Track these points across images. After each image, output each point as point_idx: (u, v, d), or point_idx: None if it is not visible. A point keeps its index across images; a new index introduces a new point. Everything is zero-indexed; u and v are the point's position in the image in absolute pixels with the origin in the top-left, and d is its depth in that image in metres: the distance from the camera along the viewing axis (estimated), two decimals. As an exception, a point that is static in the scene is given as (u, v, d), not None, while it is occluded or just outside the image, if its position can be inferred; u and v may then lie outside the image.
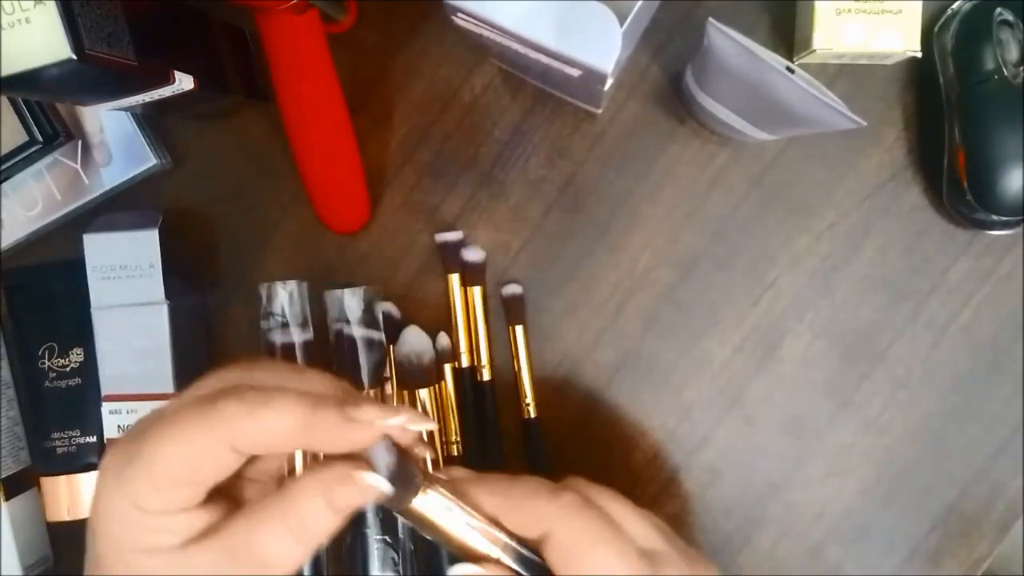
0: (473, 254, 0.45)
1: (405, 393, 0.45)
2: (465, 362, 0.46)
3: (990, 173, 0.41)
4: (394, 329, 0.45)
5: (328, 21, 0.43)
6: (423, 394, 0.44)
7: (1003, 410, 0.45)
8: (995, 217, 0.42)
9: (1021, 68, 0.41)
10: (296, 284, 0.45)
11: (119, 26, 0.32)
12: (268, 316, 0.45)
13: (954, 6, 0.43)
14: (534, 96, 0.46)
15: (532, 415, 0.46)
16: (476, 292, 0.46)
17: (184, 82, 0.37)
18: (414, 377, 0.44)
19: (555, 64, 0.34)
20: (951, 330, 0.45)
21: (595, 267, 0.46)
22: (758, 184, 0.45)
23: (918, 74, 0.44)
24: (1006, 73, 0.40)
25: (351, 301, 0.44)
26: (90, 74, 0.31)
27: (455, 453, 0.45)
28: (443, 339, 0.46)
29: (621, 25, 0.31)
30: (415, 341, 0.45)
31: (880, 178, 0.45)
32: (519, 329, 0.46)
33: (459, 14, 0.32)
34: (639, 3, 0.33)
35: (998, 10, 0.41)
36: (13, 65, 0.28)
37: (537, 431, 0.46)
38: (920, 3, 0.41)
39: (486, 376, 0.46)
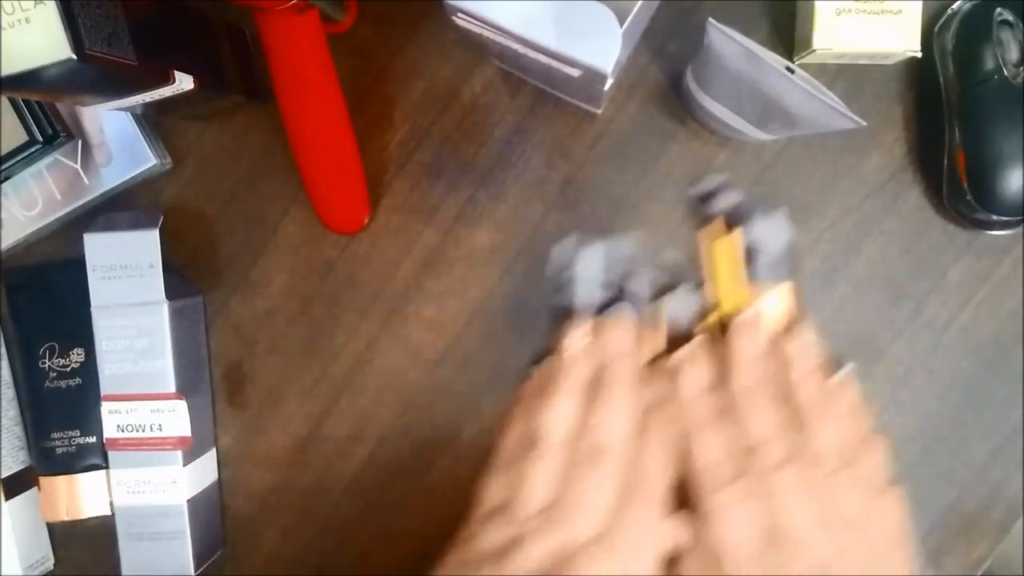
0: (727, 200, 0.43)
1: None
2: (721, 313, 0.43)
3: (990, 173, 0.41)
4: (660, 288, 0.44)
5: (328, 21, 0.43)
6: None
7: (1003, 410, 0.45)
8: (995, 217, 0.42)
9: (1021, 68, 0.41)
10: (595, 243, 0.44)
11: (119, 26, 0.32)
12: (561, 277, 0.44)
13: (954, 6, 0.43)
14: (534, 96, 0.46)
15: None
16: (732, 239, 0.43)
17: (184, 82, 0.37)
18: (677, 338, 0.42)
19: (555, 64, 0.34)
20: (951, 330, 0.45)
21: (595, 267, 0.46)
22: (758, 184, 0.45)
23: (918, 74, 0.44)
24: (1006, 73, 0.40)
25: (616, 253, 0.43)
26: (90, 74, 0.31)
27: None
28: (702, 294, 0.44)
29: (621, 25, 0.31)
30: (679, 301, 0.43)
31: (880, 178, 0.45)
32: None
33: (459, 14, 0.32)
34: (639, 3, 0.33)
35: (998, 10, 0.41)
36: (13, 65, 0.28)
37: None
38: (920, 3, 0.41)
39: None
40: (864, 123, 0.34)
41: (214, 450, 0.48)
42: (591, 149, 0.46)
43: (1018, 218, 0.42)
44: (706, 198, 0.44)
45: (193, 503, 0.45)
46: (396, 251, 0.47)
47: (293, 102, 0.42)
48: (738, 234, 0.42)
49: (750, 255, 0.41)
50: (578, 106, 0.45)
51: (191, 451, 0.45)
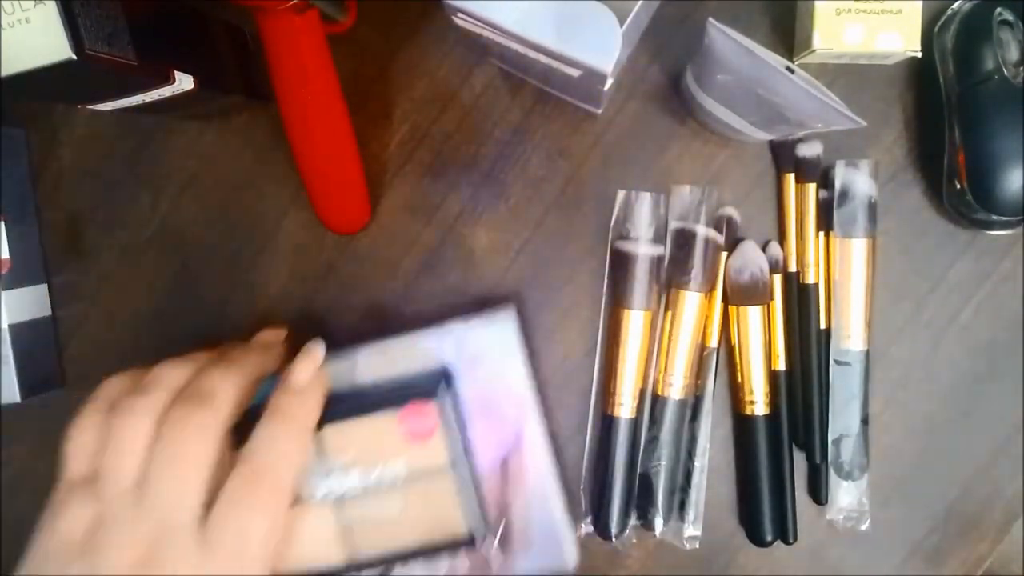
0: (809, 149, 0.44)
1: (734, 309, 0.44)
2: (793, 267, 0.44)
3: (990, 173, 0.41)
4: (731, 236, 0.44)
5: (328, 21, 0.43)
6: (753, 312, 0.43)
7: (1003, 410, 0.45)
8: (995, 217, 0.42)
9: (1021, 68, 0.41)
10: (652, 195, 0.44)
11: (119, 26, 0.32)
12: (621, 227, 0.44)
13: (954, 6, 0.43)
14: (534, 96, 0.46)
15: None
16: (811, 189, 0.43)
17: (184, 82, 0.37)
18: (746, 294, 0.43)
19: (555, 64, 0.34)
20: (951, 330, 0.45)
21: (596, 267, 0.46)
22: (758, 185, 0.45)
23: (918, 74, 0.44)
24: (1006, 73, 0.40)
25: (695, 198, 0.43)
26: (90, 74, 0.31)
27: (780, 367, 0.44)
28: (774, 249, 0.44)
29: (621, 25, 0.31)
30: (750, 256, 0.44)
31: (880, 178, 0.45)
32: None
33: (459, 14, 0.32)
34: (639, 3, 0.33)
35: (998, 10, 0.41)
36: (13, 65, 0.28)
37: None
38: (920, 3, 0.41)
39: (810, 279, 0.44)
40: (864, 123, 0.34)
41: (45, 287, 0.47)
42: (591, 149, 0.46)
43: (1018, 218, 0.42)
44: (786, 146, 0.43)
45: (17, 329, 0.44)
46: (396, 251, 0.47)
47: (293, 102, 0.42)
48: (813, 186, 0.41)
49: (827, 208, 0.40)
50: (578, 106, 0.45)
51: (13, 277, 0.44)
